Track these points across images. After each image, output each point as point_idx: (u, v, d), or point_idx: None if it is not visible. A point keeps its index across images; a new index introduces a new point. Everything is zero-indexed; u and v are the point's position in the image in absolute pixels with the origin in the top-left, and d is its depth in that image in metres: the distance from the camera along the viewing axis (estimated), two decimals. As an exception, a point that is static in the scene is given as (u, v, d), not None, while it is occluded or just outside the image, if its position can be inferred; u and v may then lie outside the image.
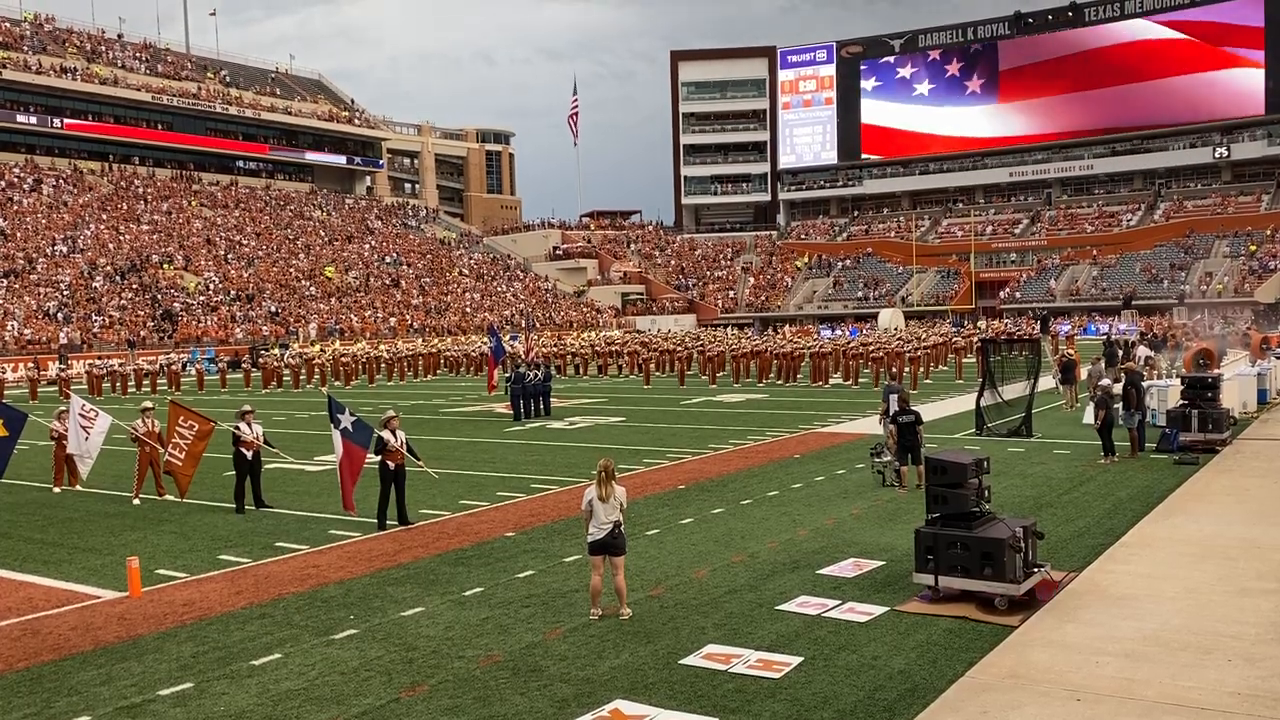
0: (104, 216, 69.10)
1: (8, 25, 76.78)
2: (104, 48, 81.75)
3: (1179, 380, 20.25)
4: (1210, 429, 17.62)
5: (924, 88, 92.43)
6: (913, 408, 15.43)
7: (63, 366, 43.29)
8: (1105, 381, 18.29)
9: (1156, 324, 51.37)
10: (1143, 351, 29.38)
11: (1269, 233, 71.97)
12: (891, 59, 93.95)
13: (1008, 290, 77.45)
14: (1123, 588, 9.64)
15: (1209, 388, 18.20)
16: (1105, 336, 43.48)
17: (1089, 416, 18.70)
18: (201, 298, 62.16)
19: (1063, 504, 13.68)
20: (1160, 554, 10.87)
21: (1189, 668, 7.61)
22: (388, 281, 75.43)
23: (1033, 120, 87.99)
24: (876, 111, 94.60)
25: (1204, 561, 10.48)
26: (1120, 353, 30.13)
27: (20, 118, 72.52)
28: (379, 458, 13.41)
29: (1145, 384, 19.32)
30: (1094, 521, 12.58)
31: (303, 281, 70.09)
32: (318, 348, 51.47)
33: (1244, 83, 79.05)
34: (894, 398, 15.97)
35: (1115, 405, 17.23)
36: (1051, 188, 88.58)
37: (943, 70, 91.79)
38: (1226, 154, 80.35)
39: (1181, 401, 18.39)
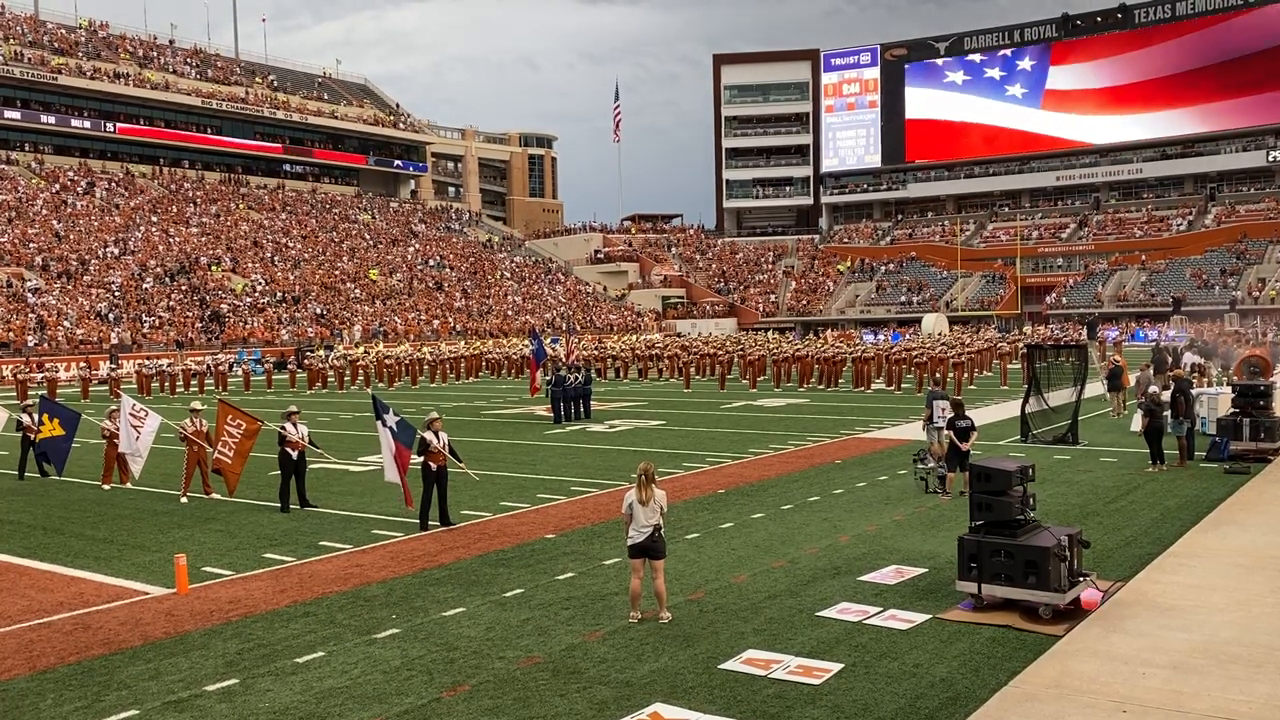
0: (154, 219, 70.32)
1: (63, 32, 78.48)
2: (155, 53, 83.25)
3: (1230, 388, 19.88)
4: (1262, 438, 17.27)
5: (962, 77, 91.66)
6: (967, 414, 15.22)
7: (113, 366, 44.13)
8: (1153, 389, 18.00)
9: (1207, 330, 50.45)
10: (1190, 358, 28.88)
11: (1325, 238, 70.54)
12: (937, 61, 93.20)
13: (1054, 295, 76.42)
14: (1171, 598, 9.47)
15: (1261, 396, 17.85)
16: (1154, 343, 42.78)
17: (1136, 424, 18.43)
18: (248, 299, 63.03)
19: (1109, 512, 13.48)
20: (1210, 564, 10.66)
21: (1239, 681, 7.46)
22: (431, 284, 76.03)
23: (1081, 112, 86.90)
24: (921, 102, 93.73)
25: (1255, 573, 10.27)
26: (1169, 360, 29.64)
27: (75, 122, 74.17)
28: (421, 459, 13.54)
29: (1195, 392, 18.99)
30: (1141, 530, 12.38)
31: (348, 284, 70.85)
32: (362, 349, 52.01)
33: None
34: (939, 404, 15.81)
35: (1164, 413, 16.95)
36: (1099, 191, 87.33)
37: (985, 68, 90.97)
38: (1281, 157, 78.79)
39: (1233, 410, 18.06)
